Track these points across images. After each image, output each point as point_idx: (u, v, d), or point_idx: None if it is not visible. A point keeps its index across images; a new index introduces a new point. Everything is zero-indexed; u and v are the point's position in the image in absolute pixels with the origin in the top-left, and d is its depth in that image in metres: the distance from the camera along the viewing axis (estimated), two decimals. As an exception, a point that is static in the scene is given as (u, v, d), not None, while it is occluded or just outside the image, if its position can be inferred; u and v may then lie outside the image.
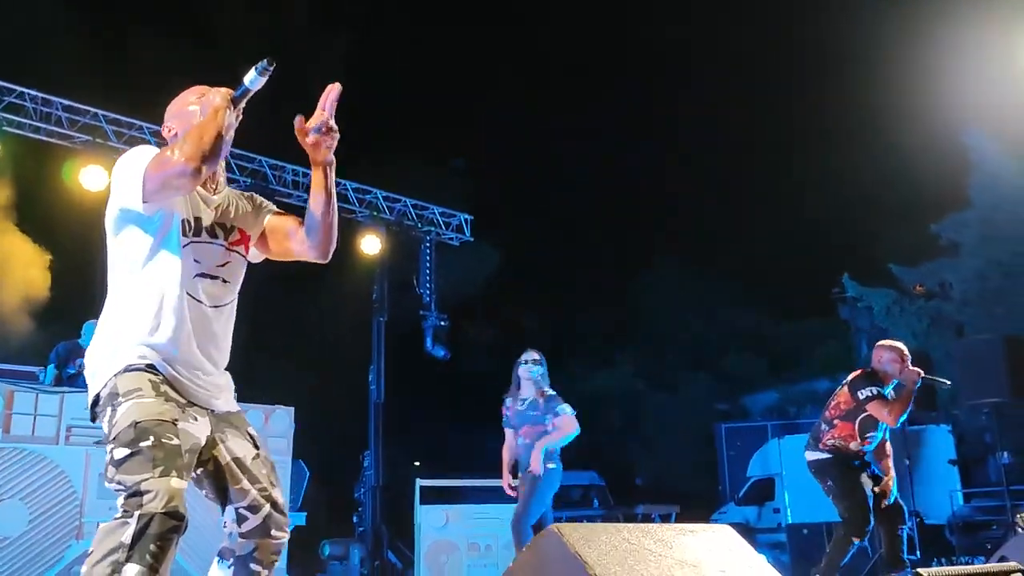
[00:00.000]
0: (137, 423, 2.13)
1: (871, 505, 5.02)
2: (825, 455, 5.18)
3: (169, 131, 2.52)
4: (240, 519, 2.40)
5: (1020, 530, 6.08)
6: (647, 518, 12.56)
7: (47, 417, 5.83)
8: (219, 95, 2.31)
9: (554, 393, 5.63)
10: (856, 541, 4.94)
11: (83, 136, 9.26)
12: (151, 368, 2.28)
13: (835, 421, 5.19)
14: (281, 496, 2.48)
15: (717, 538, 2.50)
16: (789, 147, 25.29)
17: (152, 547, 2.00)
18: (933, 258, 16.89)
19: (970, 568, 2.99)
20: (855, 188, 23.16)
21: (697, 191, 27.68)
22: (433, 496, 8.13)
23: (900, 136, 18.98)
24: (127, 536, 2.00)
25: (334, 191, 2.46)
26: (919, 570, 2.63)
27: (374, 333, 11.12)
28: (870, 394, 5.03)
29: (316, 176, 2.43)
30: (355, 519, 11.07)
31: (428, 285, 11.97)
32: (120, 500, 2.07)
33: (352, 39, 24.53)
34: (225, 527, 2.45)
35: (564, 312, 27.73)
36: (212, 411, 2.42)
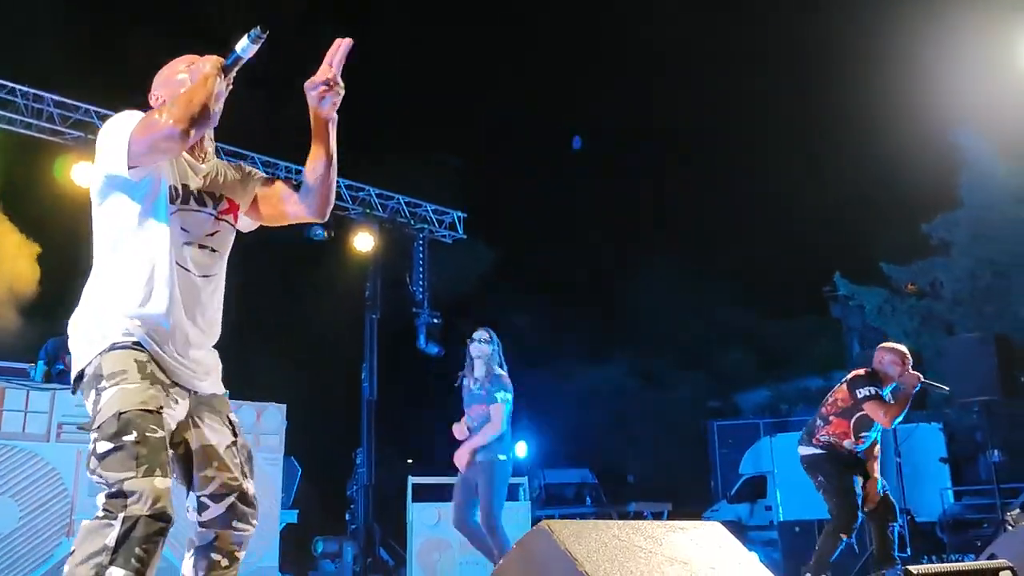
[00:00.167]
0: (121, 414, 2.07)
1: (860, 503, 5.05)
2: (818, 451, 5.21)
3: (157, 99, 2.46)
4: (200, 507, 2.34)
5: (1010, 528, 6.10)
6: (639, 516, 12.59)
7: (38, 414, 5.81)
8: (209, 62, 2.25)
9: (500, 374, 5.46)
10: (844, 538, 4.97)
11: (75, 132, 9.23)
12: (137, 346, 2.21)
13: (831, 418, 5.22)
14: (252, 487, 2.41)
15: (707, 535, 2.51)
16: (782, 147, 25.35)
17: (137, 551, 1.96)
18: (924, 257, 16.93)
19: (960, 566, 3.00)
20: (847, 188, 23.24)
21: (690, 190, 27.73)
22: (425, 494, 8.12)
23: (891, 136, 19.02)
24: (111, 539, 1.95)
25: (335, 150, 2.43)
26: (909, 567, 2.64)
27: (367, 330, 11.12)
28: (868, 394, 5.06)
29: (317, 132, 2.39)
30: (347, 516, 11.09)
31: (421, 282, 11.97)
32: (102, 497, 2.03)
33: (347, 36, 24.43)
34: (188, 512, 2.38)
35: (557, 310, 27.76)
36: (195, 392, 2.35)
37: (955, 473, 14.72)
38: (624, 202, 28.72)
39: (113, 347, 2.19)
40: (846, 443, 5.18)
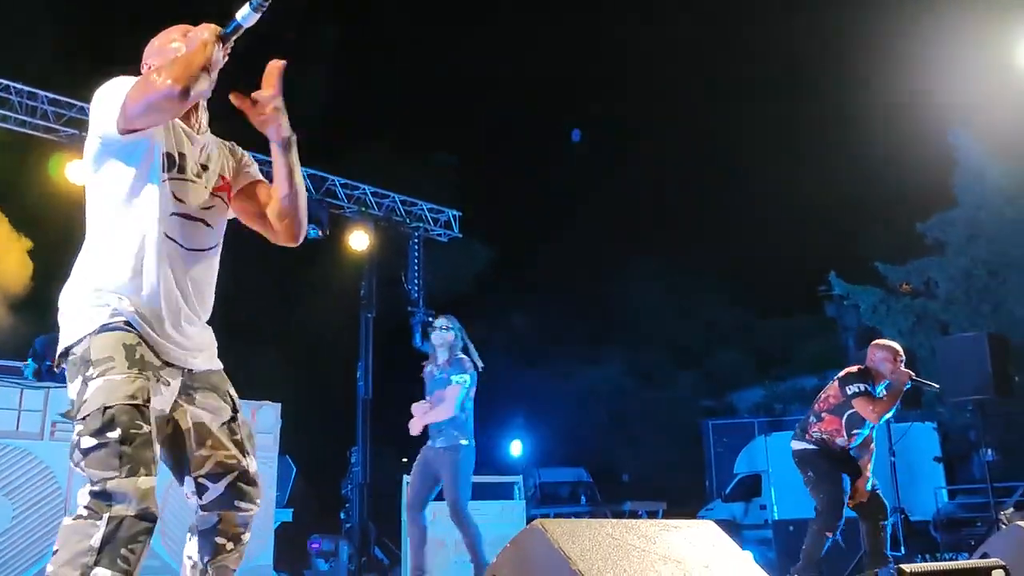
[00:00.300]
0: (107, 408, 2.01)
1: (846, 500, 5.09)
2: (810, 446, 5.24)
3: (149, 68, 2.35)
4: (199, 489, 2.25)
5: (1003, 526, 6.12)
6: (634, 515, 12.62)
7: (31, 412, 5.79)
8: (207, 30, 2.16)
9: (462, 358, 5.39)
10: (829, 536, 5.00)
11: (69, 130, 9.20)
12: (127, 326, 2.13)
13: (823, 415, 5.25)
14: (254, 465, 2.32)
15: (700, 534, 2.52)
16: (777, 147, 25.39)
17: (123, 551, 1.93)
18: (919, 257, 16.99)
19: (951, 564, 3.01)
20: (842, 187, 23.29)
21: (686, 189, 27.78)
22: (420, 492, 8.10)
23: (887, 136, 19.10)
24: (96, 539, 1.92)
25: (298, 170, 2.36)
26: (902, 566, 2.65)
27: (362, 329, 11.11)
28: (857, 390, 5.09)
29: (275, 157, 2.32)
30: (342, 515, 11.08)
31: (416, 281, 11.96)
32: (86, 495, 1.99)
33: (343, 34, 24.46)
34: (188, 498, 2.31)
35: (552, 309, 27.77)
36: (188, 370, 2.27)
37: (949, 472, 14.78)
38: (620, 202, 28.78)
39: (103, 328, 2.12)
40: (839, 440, 5.20)
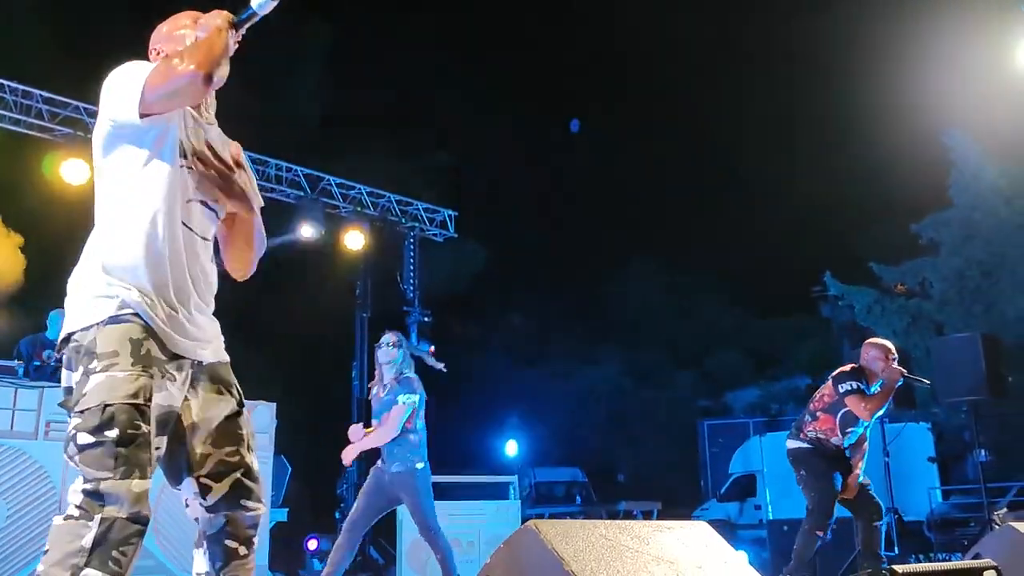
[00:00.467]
0: (107, 406, 1.97)
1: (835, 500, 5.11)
2: (804, 445, 5.27)
3: (159, 55, 2.32)
4: (203, 489, 2.19)
5: (996, 527, 6.15)
6: (629, 515, 12.64)
7: (26, 412, 5.78)
8: (220, 16, 2.14)
9: (410, 377, 5.03)
10: (819, 535, 5.03)
11: (64, 129, 9.19)
12: (136, 317, 2.08)
13: (818, 414, 5.29)
14: (256, 462, 2.29)
15: (693, 534, 2.52)
16: (773, 147, 25.44)
17: (114, 553, 1.91)
18: (914, 257, 17.01)
19: (944, 565, 3.02)
20: (837, 188, 23.34)
21: (681, 190, 27.81)
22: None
23: (881, 136, 19.13)
24: (87, 540, 1.90)
25: (256, 200, 2.42)
26: (894, 567, 2.66)
27: (357, 329, 11.12)
28: (850, 388, 5.13)
29: (247, 223, 2.42)
30: (337, 515, 11.07)
31: (412, 281, 11.97)
32: (78, 494, 1.96)
33: (337, 33, 24.42)
34: (187, 507, 2.24)
35: (548, 309, 27.78)
36: (197, 362, 2.23)
37: (943, 472, 14.83)
38: (617, 202, 28.81)
39: (111, 320, 2.06)
40: (833, 439, 5.24)
